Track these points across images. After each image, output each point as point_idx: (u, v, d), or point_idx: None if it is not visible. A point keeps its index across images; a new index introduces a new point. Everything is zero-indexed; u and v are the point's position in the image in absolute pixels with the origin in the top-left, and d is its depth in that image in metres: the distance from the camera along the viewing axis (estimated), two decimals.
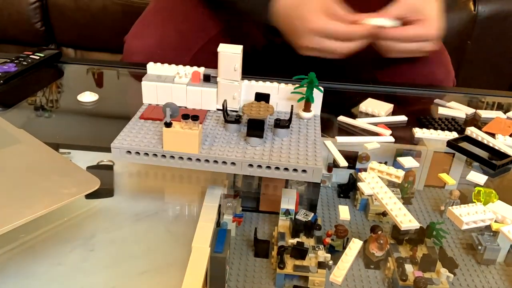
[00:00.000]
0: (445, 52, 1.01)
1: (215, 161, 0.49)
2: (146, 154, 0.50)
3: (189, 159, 0.50)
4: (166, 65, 0.61)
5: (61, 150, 0.62)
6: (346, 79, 0.95)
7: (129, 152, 0.50)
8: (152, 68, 0.61)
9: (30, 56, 0.90)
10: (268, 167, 0.49)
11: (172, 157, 0.50)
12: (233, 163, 0.49)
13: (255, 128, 0.51)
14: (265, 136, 0.52)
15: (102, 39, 1.80)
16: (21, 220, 0.45)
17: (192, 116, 0.48)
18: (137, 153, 0.50)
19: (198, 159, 0.50)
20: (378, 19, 0.74)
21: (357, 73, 0.99)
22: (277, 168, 0.49)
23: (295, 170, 0.49)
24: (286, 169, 0.49)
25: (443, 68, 0.98)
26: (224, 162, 0.49)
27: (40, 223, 0.50)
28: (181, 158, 0.50)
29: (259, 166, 0.49)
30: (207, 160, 0.49)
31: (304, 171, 0.49)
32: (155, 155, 0.50)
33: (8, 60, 0.87)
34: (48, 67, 0.92)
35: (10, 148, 0.56)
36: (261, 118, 0.52)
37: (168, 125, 0.48)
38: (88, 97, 0.79)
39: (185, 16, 0.96)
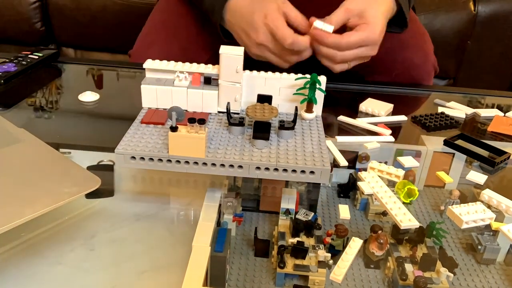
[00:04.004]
0: (424, 36, 0.99)
1: (222, 165, 0.49)
2: (151, 159, 0.49)
3: (195, 163, 0.49)
4: (164, 63, 0.60)
5: (62, 150, 0.62)
6: (346, 80, 0.95)
7: (133, 157, 0.49)
8: (151, 70, 0.60)
9: (29, 56, 0.90)
10: (276, 169, 0.49)
11: (178, 161, 0.49)
12: (240, 166, 0.49)
13: (261, 130, 0.51)
14: (269, 138, 0.52)
15: (102, 39, 1.80)
16: (22, 219, 0.45)
17: (199, 120, 0.48)
18: (142, 158, 0.49)
19: (204, 163, 0.49)
20: (320, 23, 0.73)
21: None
22: (285, 170, 0.49)
23: (302, 171, 0.49)
24: (293, 170, 0.49)
25: (421, 53, 0.96)
26: (231, 166, 0.49)
27: (40, 222, 0.50)
28: (187, 162, 0.49)
29: (267, 168, 0.49)
30: (213, 164, 0.49)
31: (312, 172, 0.49)
32: (160, 160, 0.49)
33: (7, 60, 0.87)
34: (47, 66, 0.92)
35: (11, 147, 0.56)
36: (266, 120, 0.52)
37: (174, 129, 0.48)
38: (89, 96, 0.79)
39: (189, 32, 0.97)
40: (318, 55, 0.76)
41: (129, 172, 0.61)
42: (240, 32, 0.79)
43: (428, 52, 0.97)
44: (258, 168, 0.49)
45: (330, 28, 0.72)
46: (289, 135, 0.54)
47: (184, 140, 0.48)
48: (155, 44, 0.98)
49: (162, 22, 1.01)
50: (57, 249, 0.48)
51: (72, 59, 0.99)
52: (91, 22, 1.75)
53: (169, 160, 0.49)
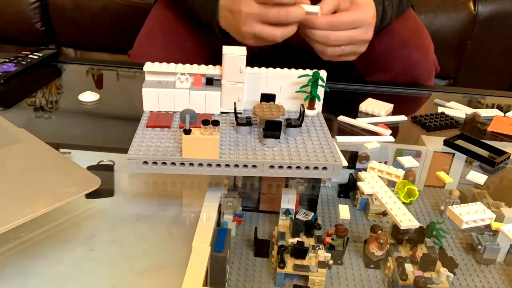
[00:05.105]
0: (424, 35, 0.99)
1: (236, 165, 0.49)
2: (164, 163, 0.49)
3: (209, 165, 0.49)
4: (164, 65, 0.60)
5: (62, 150, 0.62)
6: (346, 80, 0.95)
7: (145, 162, 0.49)
8: (151, 73, 0.60)
9: (29, 56, 0.90)
10: (289, 167, 0.49)
11: (191, 164, 0.49)
12: (254, 166, 0.49)
13: (273, 129, 0.51)
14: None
15: (102, 39, 1.80)
16: (22, 219, 0.45)
17: (213, 121, 0.48)
18: (155, 163, 0.49)
19: (218, 165, 0.49)
20: (307, 6, 0.70)
21: (344, 67, 0.98)
22: (298, 167, 0.49)
23: (315, 168, 0.49)
24: (307, 167, 0.49)
25: (421, 51, 0.95)
26: (245, 166, 0.49)
27: (40, 222, 0.50)
28: (200, 165, 0.49)
29: (280, 167, 0.49)
30: (227, 165, 0.49)
31: (324, 168, 0.49)
32: (173, 163, 0.49)
33: (7, 60, 0.87)
34: (47, 67, 0.92)
35: (11, 147, 0.56)
36: (276, 119, 0.52)
37: (188, 132, 0.48)
38: (89, 96, 0.79)
39: (188, 32, 0.97)
40: (311, 40, 0.74)
41: (129, 172, 0.61)
42: (227, 14, 0.76)
43: (429, 51, 0.97)
44: (271, 166, 0.49)
45: (317, 8, 0.71)
46: (295, 132, 0.54)
47: (198, 142, 0.48)
48: (155, 44, 0.98)
49: (161, 22, 1.01)
50: (57, 249, 0.48)
51: (72, 59, 0.99)
52: (91, 22, 1.75)
53: (182, 163, 0.49)
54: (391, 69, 0.95)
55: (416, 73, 0.95)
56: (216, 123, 0.48)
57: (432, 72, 0.98)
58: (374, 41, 0.94)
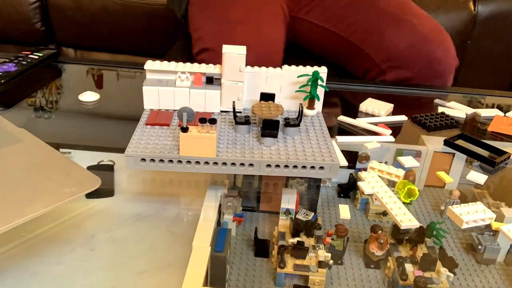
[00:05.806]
0: (443, 31, 1.01)
1: (233, 164, 0.49)
2: (162, 160, 0.49)
3: (206, 163, 0.49)
4: (165, 63, 0.60)
5: (62, 150, 0.62)
6: (346, 79, 0.95)
7: (143, 159, 0.49)
8: (151, 71, 0.60)
9: (29, 56, 0.90)
10: (286, 166, 0.49)
11: (189, 162, 0.49)
12: (251, 165, 0.49)
13: (270, 128, 0.51)
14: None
15: (102, 39, 1.80)
16: (22, 219, 0.45)
17: (210, 120, 0.48)
18: (152, 160, 0.49)
19: (215, 163, 0.49)
20: None
21: (360, 65, 0.99)
22: (295, 166, 0.49)
23: (312, 167, 0.49)
24: (303, 167, 0.49)
25: (442, 46, 0.98)
26: (242, 164, 0.49)
27: (40, 222, 0.50)
28: (197, 162, 0.49)
29: (277, 165, 0.49)
30: (224, 163, 0.49)
31: (321, 167, 0.49)
32: (170, 161, 0.49)
33: (7, 60, 0.87)
34: (47, 67, 0.92)
35: (11, 147, 0.56)
36: (275, 118, 0.52)
37: (185, 130, 0.48)
38: (89, 96, 0.79)
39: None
40: None
41: (129, 172, 0.61)
42: None
43: (449, 48, 0.99)
44: (268, 165, 0.49)
45: None
46: (294, 132, 0.54)
47: (195, 140, 0.48)
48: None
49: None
50: (57, 249, 0.48)
51: (72, 59, 0.99)
52: (91, 22, 1.75)
53: (180, 161, 0.49)
54: (414, 65, 0.96)
55: (438, 68, 0.96)
56: (213, 121, 0.48)
57: (453, 66, 1.00)
58: (396, 38, 0.95)
